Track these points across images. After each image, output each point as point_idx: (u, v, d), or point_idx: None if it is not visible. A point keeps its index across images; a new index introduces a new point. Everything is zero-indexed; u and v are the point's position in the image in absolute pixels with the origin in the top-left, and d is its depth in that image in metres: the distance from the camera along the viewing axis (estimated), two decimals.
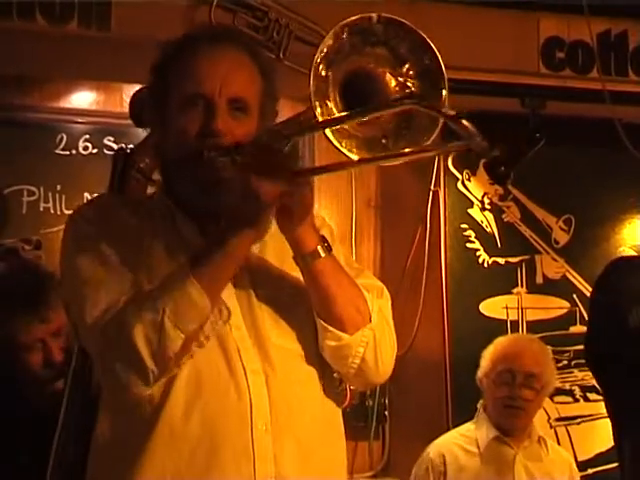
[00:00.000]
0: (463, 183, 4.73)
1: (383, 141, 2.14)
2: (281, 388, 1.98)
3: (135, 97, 2.62)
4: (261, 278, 2.03)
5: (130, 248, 2.00)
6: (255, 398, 1.95)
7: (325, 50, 2.13)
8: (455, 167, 4.72)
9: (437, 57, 2.17)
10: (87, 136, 4.55)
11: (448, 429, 4.15)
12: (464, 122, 1.70)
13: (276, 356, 2.00)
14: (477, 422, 3.92)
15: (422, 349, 4.70)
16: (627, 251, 4.88)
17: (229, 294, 2.00)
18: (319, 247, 1.99)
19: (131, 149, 2.70)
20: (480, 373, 3.90)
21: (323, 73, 2.13)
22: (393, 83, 2.19)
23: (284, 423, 1.97)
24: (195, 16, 3.13)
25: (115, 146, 4.37)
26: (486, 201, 4.76)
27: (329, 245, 2.01)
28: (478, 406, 3.96)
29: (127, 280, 1.95)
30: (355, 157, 2.08)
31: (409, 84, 2.19)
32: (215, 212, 1.98)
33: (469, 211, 4.73)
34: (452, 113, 1.72)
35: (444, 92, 2.16)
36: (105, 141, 4.52)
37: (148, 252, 2.00)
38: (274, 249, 2.06)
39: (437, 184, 4.65)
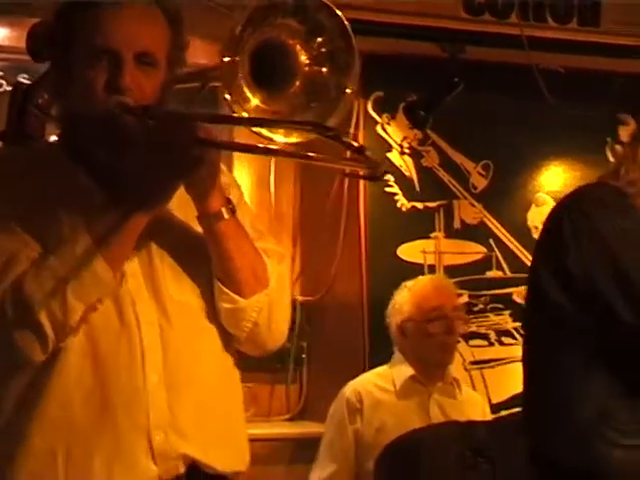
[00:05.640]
0: (382, 127, 4.72)
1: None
2: (177, 342, 1.99)
3: (33, 31, 2.54)
4: (163, 230, 2.01)
5: (24, 204, 1.96)
6: (148, 349, 1.95)
7: (234, 30, 2.11)
8: (375, 111, 4.71)
9: (352, 41, 2.15)
10: (0, 73, 4.45)
11: (365, 372, 4.18)
12: (368, 154, 1.84)
13: (174, 310, 2.00)
14: (393, 363, 3.98)
15: (340, 293, 4.72)
16: (544, 197, 4.92)
17: None
18: (223, 209, 1.98)
19: (29, 84, 2.64)
20: (400, 318, 3.91)
21: (230, 56, 2.10)
22: (304, 56, 2.17)
23: (179, 376, 1.97)
24: None
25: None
26: (405, 145, 4.76)
27: (233, 207, 2.00)
28: (395, 350, 4.00)
29: (23, 239, 1.92)
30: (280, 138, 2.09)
31: (320, 60, 2.17)
32: (116, 168, 1.96)
33: (388, 155, 4.72)
34: (357, 145, 1.84)
35: (348, 90, 2.16)
36: (19, 78, 4.41)
37: (44, 207, 1.97)
38: (179, 202, 2.01)
39: (356, 127, 4.64)
